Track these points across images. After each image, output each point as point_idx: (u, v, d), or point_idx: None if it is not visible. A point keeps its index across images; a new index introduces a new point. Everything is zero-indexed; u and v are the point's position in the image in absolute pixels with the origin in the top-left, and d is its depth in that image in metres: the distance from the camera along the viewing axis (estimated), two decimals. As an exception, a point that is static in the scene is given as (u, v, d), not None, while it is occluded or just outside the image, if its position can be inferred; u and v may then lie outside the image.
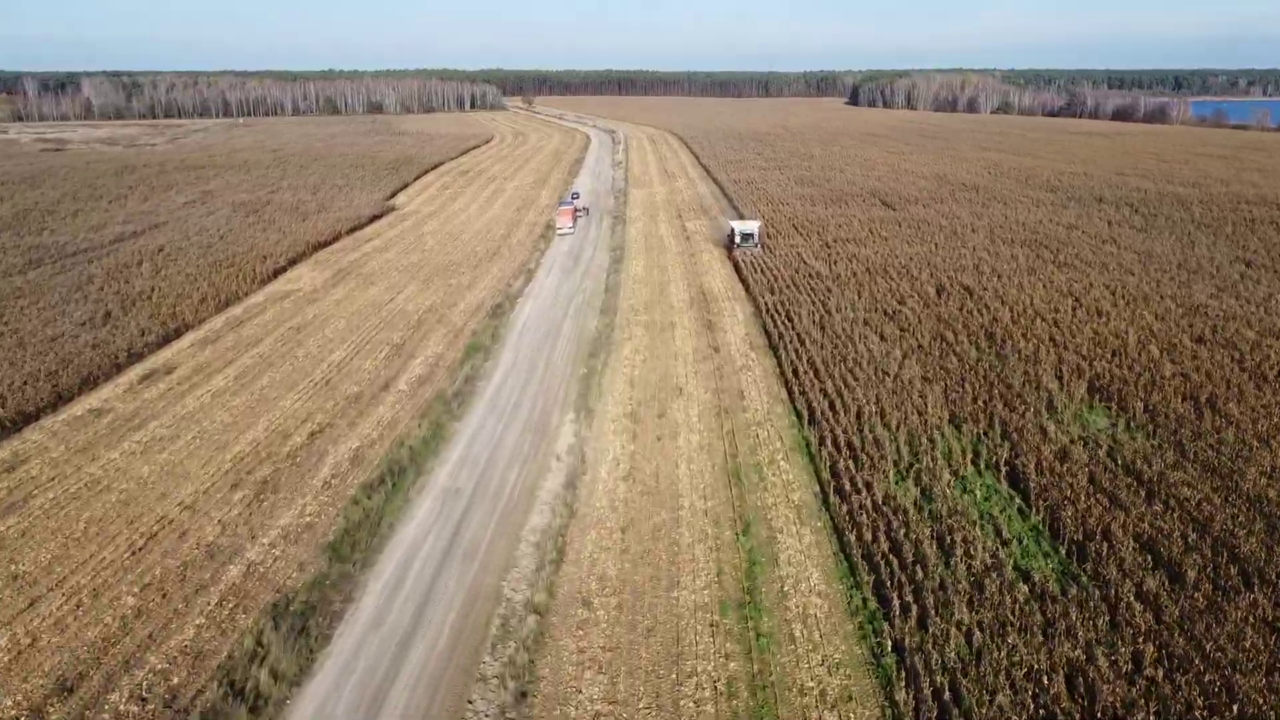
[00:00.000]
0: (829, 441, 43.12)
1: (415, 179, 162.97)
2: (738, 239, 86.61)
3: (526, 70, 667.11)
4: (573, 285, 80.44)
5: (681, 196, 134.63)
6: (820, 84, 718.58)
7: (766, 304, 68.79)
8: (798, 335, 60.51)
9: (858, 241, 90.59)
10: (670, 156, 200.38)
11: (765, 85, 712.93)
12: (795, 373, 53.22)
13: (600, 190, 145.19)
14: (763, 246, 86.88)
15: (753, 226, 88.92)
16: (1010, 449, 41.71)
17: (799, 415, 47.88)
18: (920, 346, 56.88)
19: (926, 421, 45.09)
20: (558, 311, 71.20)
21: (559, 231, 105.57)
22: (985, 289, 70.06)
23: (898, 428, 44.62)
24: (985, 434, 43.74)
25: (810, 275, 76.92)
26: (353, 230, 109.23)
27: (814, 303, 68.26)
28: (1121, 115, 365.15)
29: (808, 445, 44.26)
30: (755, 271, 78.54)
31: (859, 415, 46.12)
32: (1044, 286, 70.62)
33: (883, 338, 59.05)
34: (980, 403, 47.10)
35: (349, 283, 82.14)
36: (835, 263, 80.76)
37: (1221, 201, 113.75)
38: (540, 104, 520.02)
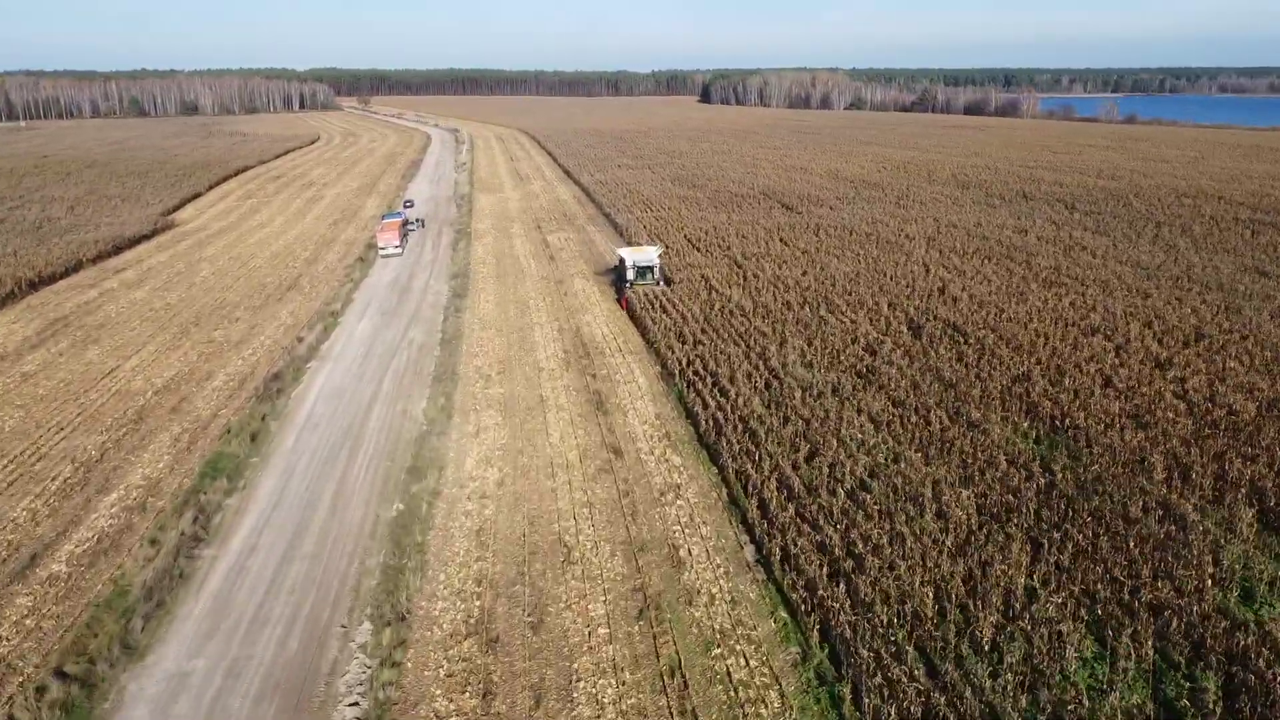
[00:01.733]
0: None
1: (213, 186, 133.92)
2: (630, 275, 61.40)
3: (363, 70, 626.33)
4: (394, 336, 56.14)
5: (539, 202, 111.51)
6: (670, 83, 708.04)
7: (678, 360, 46.83)
8: (740, 420, 38.79)
9: (774, 259, 69.86)
10: (523, 157, 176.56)
11: (615, 84, 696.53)
12: (762, 508, 31.34)
13: (440, 197, 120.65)
14: (667, 281, 63.16)
15: (652, 255, 63.41)
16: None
17: (799, 626, 25.70)
18: (936, 436, 36.03)
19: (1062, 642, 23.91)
20: (366, 386, 46.97)
21: (382, 253, 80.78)
22: (975, 324, 50.38)
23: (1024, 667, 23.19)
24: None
25: (728, 311, 55.45)
26: (101, 257, 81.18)
27: (747, 356, 46.74)
28: (973, 110, 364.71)
29: None
30: (652, 307, 56.41)
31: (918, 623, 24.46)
32: (1050, 318, 51.52)
33: (873, 421, 37.96)
34: (1118, 583, 26.28)
35: (60, 341, 55.53)
36: (757, 290, 59.62)
37: (1157, 195, 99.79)
38: (378, 104, 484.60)
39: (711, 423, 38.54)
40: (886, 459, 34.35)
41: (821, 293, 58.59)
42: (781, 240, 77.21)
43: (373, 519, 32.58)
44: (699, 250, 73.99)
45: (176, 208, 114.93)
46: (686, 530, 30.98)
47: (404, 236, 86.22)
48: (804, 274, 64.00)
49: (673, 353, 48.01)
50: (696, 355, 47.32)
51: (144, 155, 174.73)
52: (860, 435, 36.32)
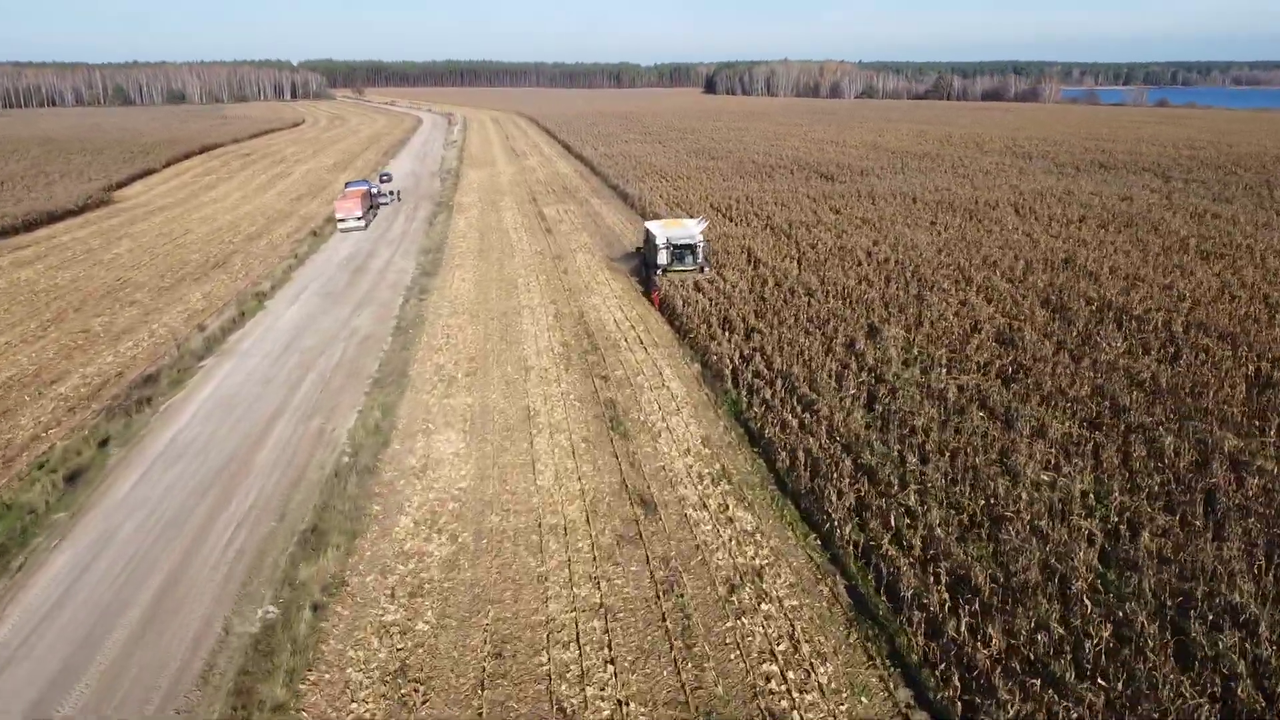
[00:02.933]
0: None
1: (173, 163, 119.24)
2: (662, 257, 43.25)
3: (359, 61, 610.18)
4: (333, 324, 41.44)
5: (535, 177, 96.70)
6: (674, 75, 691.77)
7: (726, 356, 32.18)
8: (844, 450, 24.01)
9: (829, 227, 55.17)
10: (519, 136, 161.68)
11: (617, 76, 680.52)
12: (932, 629, 16.56)
13: (424, 172, 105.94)
14: (710, 266, 45.10)
15: (693, 230, 44.57)
16: None
17: None
18: (1186, 480, 21.29)
19: None
20: (273, 394, 32.33)
21: (341, 226, 65.99)
22: (1143, 304, 35.56)
23: None
24: None
25: (786, 289, 40.71)
26: (5, 234, 66.44)
27: (828, 349, 32.19)
28: (991, 97, 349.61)
29: None
30: (681, 284, 41.67)
31: None
32: (1247, 295, 36.57)
33: (1065, 452, 23.15)
34: None
35: (-111, 331, 40.72)
36: (819, 264, 44.74)
37: (1261, 162, 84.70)
38: (373, 94, 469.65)
39: (797, 457, 23.74)
40: (1120, 526, 19.51)
41: (908, 267, 43.73)
42: (833, 209, 62.41)
43: (209, 645, 17.74)
44: (732, 220, 59.16)
45: (123, 184, 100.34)
46: (794, 681, 16.12)
47: (371, 209, 71.51)
48: (875, 245, 49.21)
49: (717, 345, 33.31)
50: (753, 349, 32.60)
51: (108, 135, 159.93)
52: (1059, 479, 21.47)
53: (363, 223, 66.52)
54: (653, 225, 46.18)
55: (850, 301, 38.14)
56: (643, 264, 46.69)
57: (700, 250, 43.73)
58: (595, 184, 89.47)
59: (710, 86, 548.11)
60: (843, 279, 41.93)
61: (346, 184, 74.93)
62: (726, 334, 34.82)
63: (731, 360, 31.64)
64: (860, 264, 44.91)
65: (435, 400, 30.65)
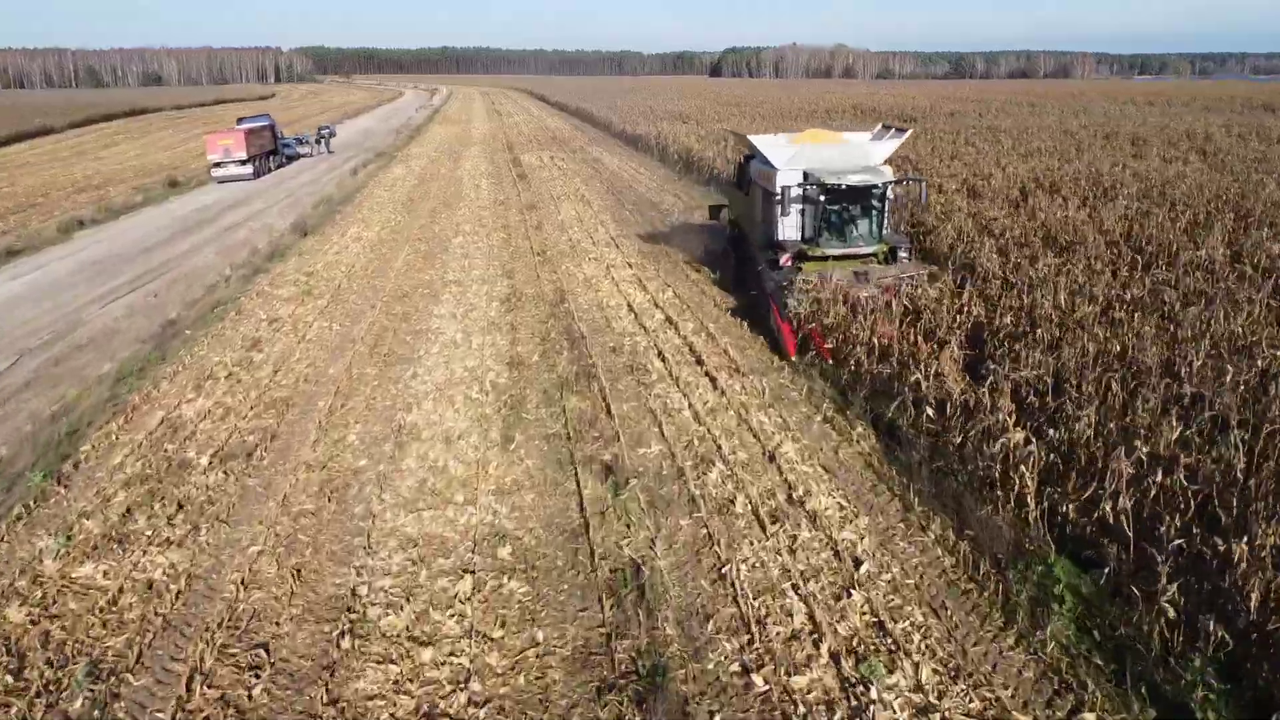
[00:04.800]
0: None
1: (81, 125, 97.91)
2: (796, 226, 18.09)
3: (350, 48, 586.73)
4: (54, 313, 19.52)
5: (517, 131, 75.06)
6: (677, 62, 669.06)
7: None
8: None
9: (992, 159, 33.41)
10: (506, 102, 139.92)
11: (619, 64, 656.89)
12: None
13: (380, 130, 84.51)
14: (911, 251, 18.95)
15: (875, 156, 18.88)
16: None
17: None
18: None
19: None
20: None
21: (216, 175, 44.72)
22: None
23: None
24: None
25: (987, 241, 18.90)
26: None
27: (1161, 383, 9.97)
28: (1018, 76, 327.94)
29: None
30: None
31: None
32: None
33: None
34: None
35: None
36: (1028, 205, 22.98)
37: None
38: (362, 79, 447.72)
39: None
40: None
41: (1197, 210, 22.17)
42: (966, 141, 40.77)
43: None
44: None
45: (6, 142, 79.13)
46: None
47: (271, 154, 50.12)
48: (1120, 168, 27.72)
49: (898, 377, 11.61)
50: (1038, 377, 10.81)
51: (34, 103, 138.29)
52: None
53: (248, 169, 45.07)
54: (763, 143, 19.76)
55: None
56: (732, 246, 22.45)
57: (887, 193, 18.09)
58: (593, 134, 68.06)
59: (716, 72, 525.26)
60: (1086, 222, 20.45)
61: (239, 120, 53.33)
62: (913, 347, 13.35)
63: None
64: (1104, 201, 23.37)
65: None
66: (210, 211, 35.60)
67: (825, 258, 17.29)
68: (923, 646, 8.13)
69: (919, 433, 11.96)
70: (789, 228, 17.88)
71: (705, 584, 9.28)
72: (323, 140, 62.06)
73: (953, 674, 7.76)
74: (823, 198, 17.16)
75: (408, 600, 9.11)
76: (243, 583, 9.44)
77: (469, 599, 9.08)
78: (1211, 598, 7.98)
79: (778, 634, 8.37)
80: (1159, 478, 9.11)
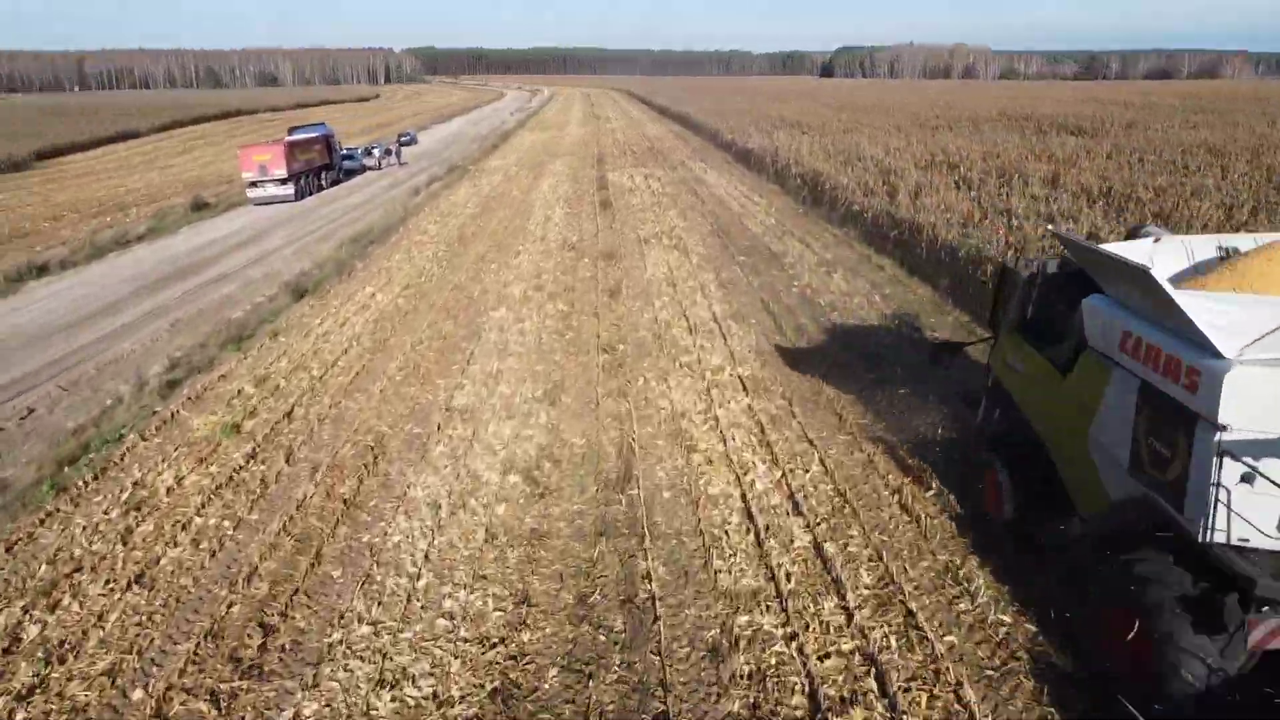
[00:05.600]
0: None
1: (164, 129, 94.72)
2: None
3: (461, 49, 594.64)
4: None
5: (612, 139, 67.03)
6: (787, 62, 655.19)
7: None
8: None
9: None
10: (608, 104, 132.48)
11: (728, 64, 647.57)
12: None
13: (466, 135, 77.89)
14: None
15: None
16: None
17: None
18: None
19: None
20: None
21: (251, 195, 38.13)
22: None
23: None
24: None
25: None
26: None
27: None
28: (1156, 76, 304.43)
29: None
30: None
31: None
32: None
33: None
34: None
35: None
36: None
37: None
38: (468, 79, 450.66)
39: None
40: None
41: None
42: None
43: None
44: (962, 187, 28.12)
45: (88, 146, 75.86)
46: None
47: (319, 170, 43.33)
48: None
49: None
50: None
51: (142, 103, 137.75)
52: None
53: (289, 188, 38.22)
54: (1158, 284, 7.25)
55: None
56: (1008, 454, 10.11)
57: None
58: (697, 144, 59.43)
59: (827, 72, 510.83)
60: None
61: (290, 129, 46.69)
62: None
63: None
64: None
65: None
66: (213, 250, 28.49)
67: None
68: None
69: None
70: (1255, 513, 6.79)
71: None
72: (392, 152, 55.25)
73: None
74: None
75: None
76: None
77: None
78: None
79: None
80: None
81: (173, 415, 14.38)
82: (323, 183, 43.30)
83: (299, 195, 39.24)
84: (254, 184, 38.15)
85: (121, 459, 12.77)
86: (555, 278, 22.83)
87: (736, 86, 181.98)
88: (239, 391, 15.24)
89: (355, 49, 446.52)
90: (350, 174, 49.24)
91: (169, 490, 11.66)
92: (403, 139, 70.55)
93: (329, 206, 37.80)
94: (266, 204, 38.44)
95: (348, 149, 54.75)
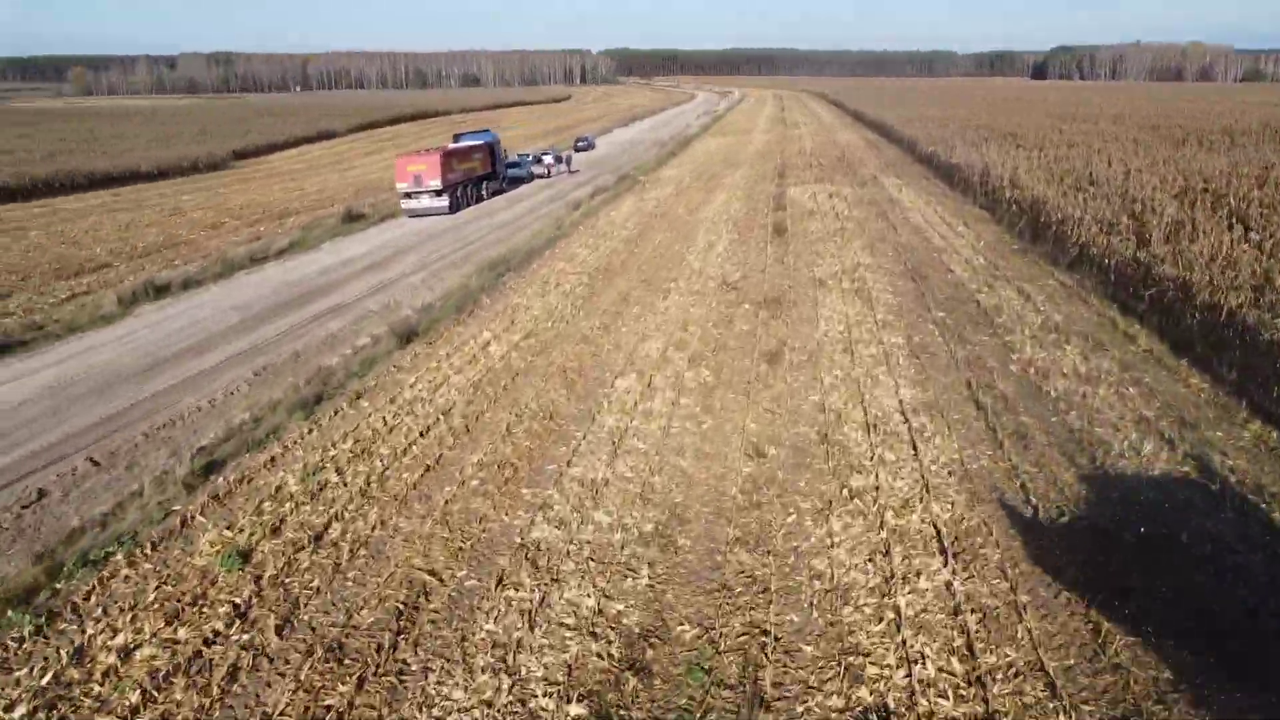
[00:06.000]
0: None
1: (362, 129, 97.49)
2: None
3: (657, 49, 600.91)
4: None
5: (799, 146, 62.09)
6: (995, 63, 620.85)
7: None
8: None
9: None
10: (797, 108, 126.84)
11: (929, 65, 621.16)
12: None
13: (646, 140, 75.16)
14: None
15: None
16: None
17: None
18: None
19: None
20: None
21: (406, 206, 36.17)
22: None
23: None
24: None
25: None
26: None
27: None
28: None
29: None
30: None
31: None
32: None
33: None
34: None
35: None
36: None
37: None
38: (661, 80, 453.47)
39: None
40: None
41: None
42: None
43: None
44: None
45: (285, 146, 78.67)
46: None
47: (480, 180, 41.02)
48: None
49: None
50: None
51: (330, 102, 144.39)
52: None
53: (443, 200, 35.97)
54: None
55: None
56: None
57: None
58: (891, 155, 53.65)
59: (1040, 73, 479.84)
60: None
61: (455, 136, 44.73)
62: None
63: None
64: None
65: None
66: (342, 272, 26.17)
67: None
68: None
69: None
70: None
71: None
72: (563, 159, 52.70)
73: None
74: None
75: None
76: None
77: None
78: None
79: None
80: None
81: (186, 521, 11.31)
82: (483, 193, 41.00)
83: (454, 208, 36.97)
84: (408, 195, 36.15)
85: (88, 597, 9.70)
86: (704, 330, 18.70)
87: (938, 89, 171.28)
88: (277, 490, 12.04)
89: (553, 50, 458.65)
90: (517, 182, 46.99)
91: (105, 674, 8.38)
92: (579, 144, 68.39)
93: (480, 222, 35.23)
94: (420, 216, 36.38)
95: (519, 155, 52.74)
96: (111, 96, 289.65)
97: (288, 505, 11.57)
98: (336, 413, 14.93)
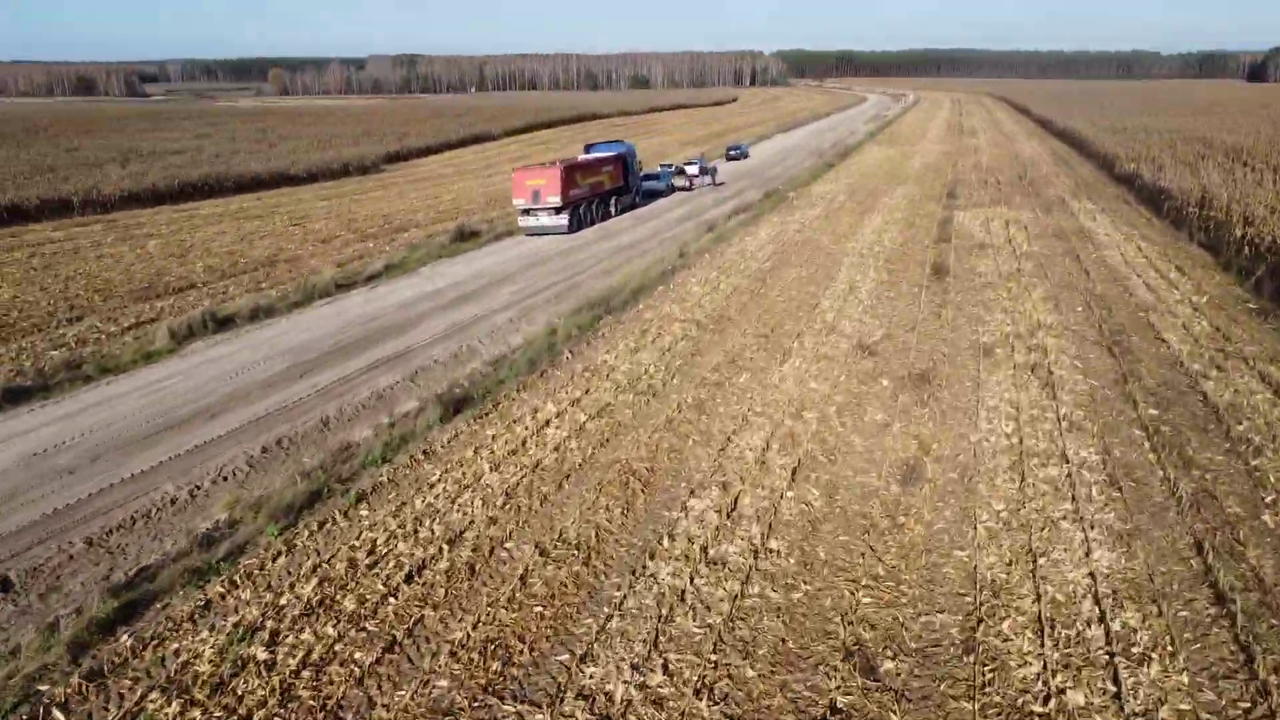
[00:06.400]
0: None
1: (514, 132, 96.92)
2: None
3: (830, 50, 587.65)
4: None
5: (975, 159, 55.83)
6: (1202, 64, 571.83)
7: None
8: None
9: None
10: (977, 113, 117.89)
11: (1128, 66, 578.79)
12: None
13: (806, 149, 70.35)
14: None
15: None
16: None
17: None
18: None
19: None
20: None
21: (523, 223, 33.25)
22: None
23: None
24: None
25: None
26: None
27: None
28: None
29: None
30: None
31: None
32: None
33: None
34: None
35: None
36: None
37: None
38: (833, 83, 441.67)
39: None
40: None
41: None
42: None
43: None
44: None
45: (418, 153, 78.50)
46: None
47: (609, 195, 37.62)
48: None
49: None
50: None
51: (494, 104, 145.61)
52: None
53: (562, 219, 32.82)
54: None
55: None
56: None
57: None
58: (1085, 174, 46.87)
59: (1257, 76, 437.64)
60: None
61: (586, 147, 41.56)
62: None
63: None
64: None
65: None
66: (425, 305, 23.20)
67: None
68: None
69: None
70: None
71: None
72: (709, 171, 48.76)
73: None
74: None
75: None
76: None
77: None
78: None
79: None
80: None
81: (48, 708, 8.16)
82: (610, 210, 37.61)
83: (574, 226, 33.73)
84: (526, 212, 33.18)
85: None
86: (823, 420, 14.39)
87: (1139, 94, 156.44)
88: (179, 669, 8.72)
89: (723, 52, 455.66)
90: (653, 196, 43.46)
91: None
92: (731, 153, 64.25)
93: (598, 245, 31.77)
94: (537, 235, 33.36)
95: (661, 165, 49.26)
96: (304, 96, 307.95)
97: (175, 705, 8.21)
98: (323, 525, 11.63)
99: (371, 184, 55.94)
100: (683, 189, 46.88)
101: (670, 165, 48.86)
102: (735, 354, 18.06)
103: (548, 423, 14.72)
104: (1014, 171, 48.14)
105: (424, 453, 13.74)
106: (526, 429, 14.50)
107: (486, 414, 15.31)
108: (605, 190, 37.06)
